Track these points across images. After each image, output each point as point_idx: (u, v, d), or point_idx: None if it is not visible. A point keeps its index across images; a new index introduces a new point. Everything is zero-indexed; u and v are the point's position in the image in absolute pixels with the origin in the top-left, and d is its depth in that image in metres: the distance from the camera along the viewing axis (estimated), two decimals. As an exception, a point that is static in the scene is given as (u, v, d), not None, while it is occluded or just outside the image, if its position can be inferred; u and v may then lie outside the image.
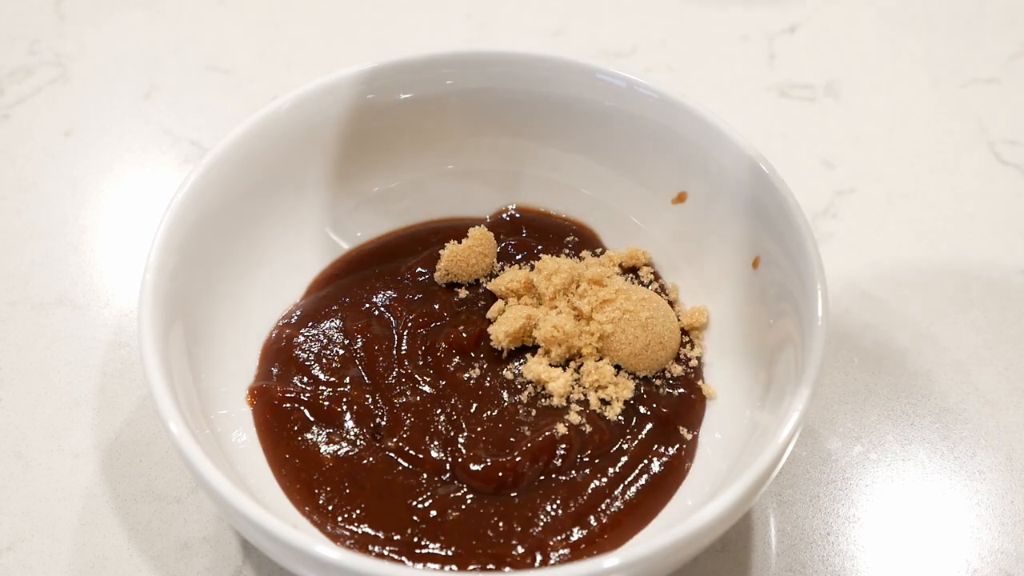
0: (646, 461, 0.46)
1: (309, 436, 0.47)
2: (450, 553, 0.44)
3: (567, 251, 0.54)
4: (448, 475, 0.46)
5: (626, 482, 0.46)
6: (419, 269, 0.52)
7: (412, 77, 0.52)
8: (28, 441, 0.50)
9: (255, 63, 0.67)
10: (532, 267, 0.52)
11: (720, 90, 0.66)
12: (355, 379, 0.49)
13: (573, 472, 0.46)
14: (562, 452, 0.46)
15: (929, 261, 0.57)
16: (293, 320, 0.51)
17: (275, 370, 0.49)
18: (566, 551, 0.44)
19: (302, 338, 0.50)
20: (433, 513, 0.45)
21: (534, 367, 0.48)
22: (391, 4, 0.70)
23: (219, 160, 0.47)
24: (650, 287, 0.52)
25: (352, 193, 0.54)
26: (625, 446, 0.47)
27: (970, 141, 0.62)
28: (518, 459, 0.45)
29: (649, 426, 0.47)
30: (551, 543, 0.44)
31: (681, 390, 0.48)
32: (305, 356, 0.49)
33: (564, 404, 0.47)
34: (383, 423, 0.47)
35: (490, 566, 0.43)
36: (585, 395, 0.48)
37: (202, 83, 0.66)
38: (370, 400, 0.48)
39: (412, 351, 0.49)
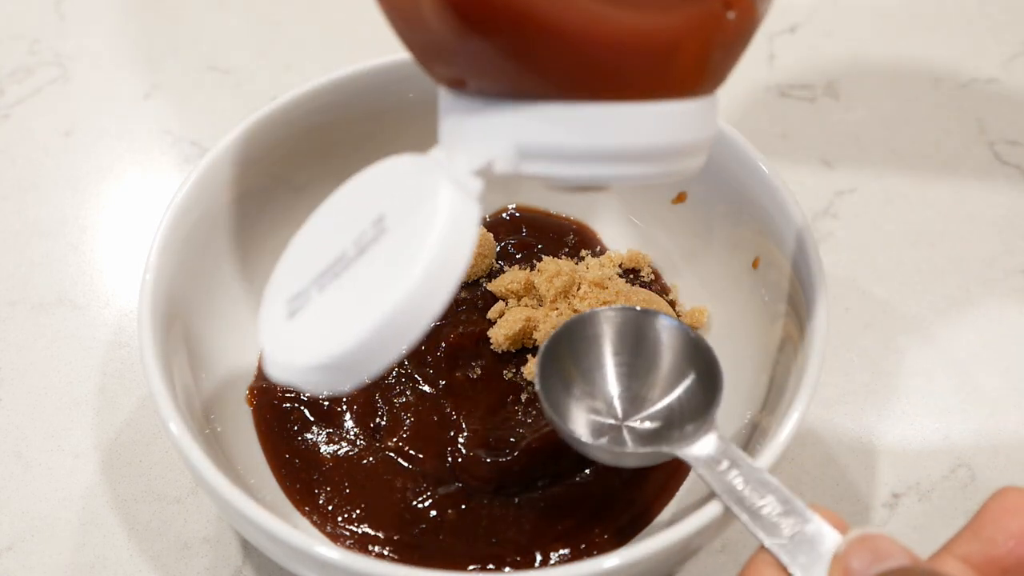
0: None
1: (309, 436, 0.47)
2: (450, 553, 0.44)
3: (567, 251, 0.54)
4: (448, 475, 0.46)
5: (626, 482, 0.46)
6: (419, 269, 0.52)
7: (412, 77, 0.52)
8: (28, 441, 0.50)
9: (255, 63, 0.67)
10: (532, 267, 0.52)
11: (720, 90, 0.66)
12: (355, 379, 0.49)
13: (573, 472, 0.46)
14: (562, 452, 0.46)
15: (929, 261, 0.57)
16: (293, 320, 0.51)
17: (275, 370, 0.49)
18: (566, 551, 0.44)
19: (302, 338, 0.50)
20: (433, 513, 0.45)
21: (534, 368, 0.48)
22: (391, 4, 0.70)
23: (219, 160, 0.47)
24: (650, 287, 0.52)
25: (352, 193, 0.54)
26: (625, 446, 0.47)
27: (970, 141, 0.62)
28: (518, 459, 0.45)
29: (649, 426, 0.47)
30: (551, 543, 0.44)
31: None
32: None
33: (564, 404, 0.47)
34: (383, 423, 0.47)
35: (490, 566, 0.43)
36: (585, 395, 0.48)
37: (202, 83, 0.66)
38: (370, 400, 0.48)
39: (412, 351, 0.49)
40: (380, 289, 0.31)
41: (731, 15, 0.33)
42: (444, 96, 0.35)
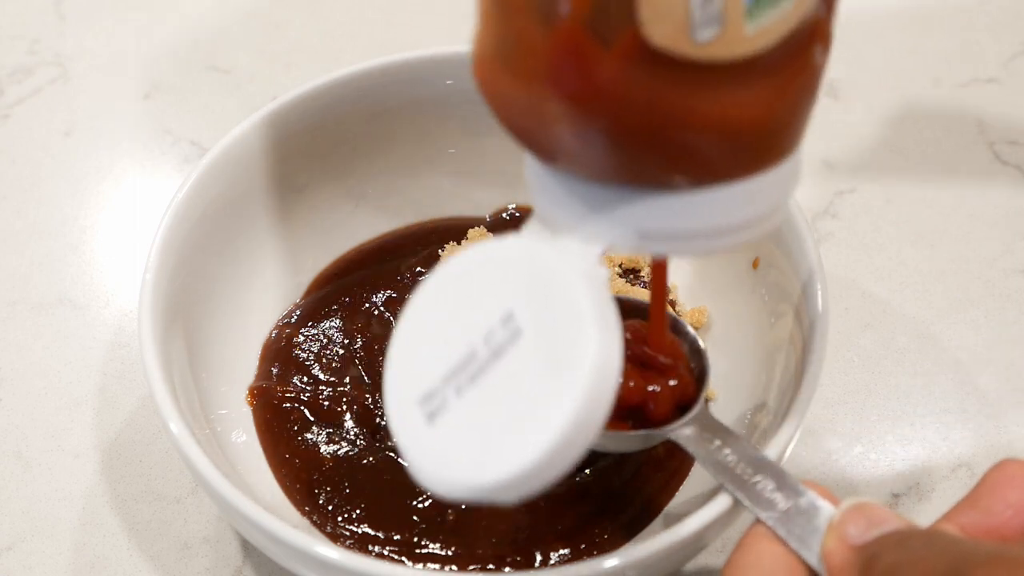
0: (647, 461, 0.46)
1: (309, 436, 0.47)
2: (450, 553, 0.44)
3: (567, 251, 0.54)
4: (448, 475, 0.46)
5: (626, 482, 0.46)
6: (419, 269, 0.52)
7: (412, 77, 0.52)
8: (28, 441, 0.50)
9: (255, 63, 0.67)
10: (532, 267, 0.52)
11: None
12: (355, 379, 0.49)
13: (573, 471, 0.46)
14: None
15: (929, 261, 0.57)
16: (293, 320, 0.51)
17: (275, 370, 0.49)
18: (566, 551, 0.44)
19: (302, 338, 0.50)
20: (433, 513, 0.45)
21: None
22: (391, 4, 0.70)
23: (219, 160, 0.47)
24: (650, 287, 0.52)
25: (352, 193, 0.54)
26: (625, 446, 0.47)
27: (970, 141, 0.62)
28: (518, 459, 0.45)
29: (649, 426, 0.47)
30: (551, 543, 0.44)
31: (681, 391, 0.48)
32: (305, 356, 0.49)
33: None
34: (383, 423, 0.47)
35: (490, 566, 0.43)
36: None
37: (202, 83, 0.66)
38: (370, 400, 0.48)
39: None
40: (541, 406, 0.31)
41: (819, 55, 0.32)
42: (541, 172, 0.34)
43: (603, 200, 0.33)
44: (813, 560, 0.34)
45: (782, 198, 0.34)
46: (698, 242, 0.34)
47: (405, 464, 0.32)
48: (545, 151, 0.33)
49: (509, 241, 0.34)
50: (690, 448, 0.39)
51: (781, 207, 0.35)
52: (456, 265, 0.34)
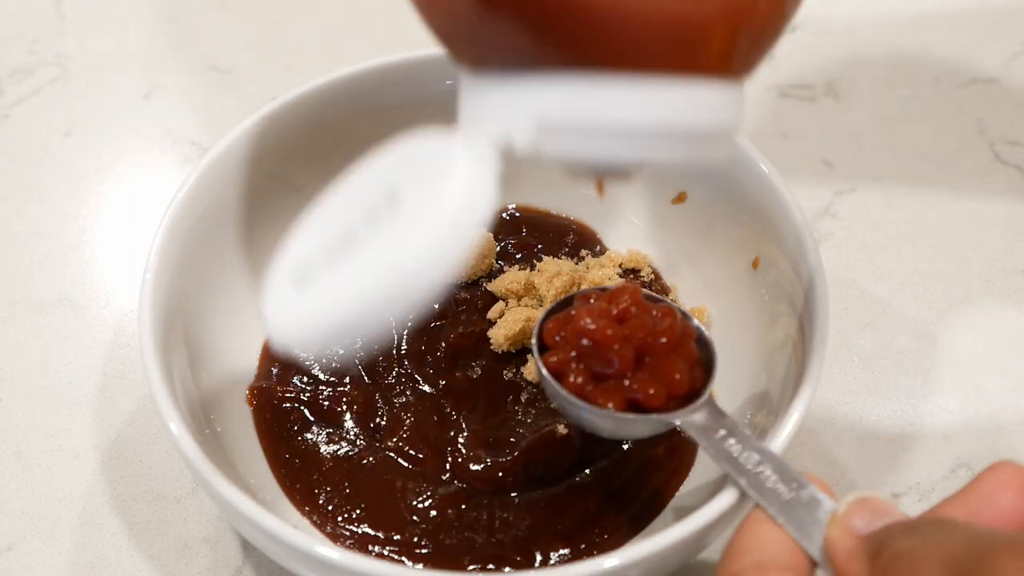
0: (646, 461, 0.46)
1: (309, 436, 0.47)
2: (450, 553, 0.44)
3: (567, 251, 0.54)
4: (448, 475, 0.46)
5: (626, 481, 0.46)
6: (419, 269, 0.52)
7: (412, 77, 0.52)
8: (28, 441, 0.50)
9: (255, 63, 0.67)
10: (533, 267, 0.52)
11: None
12: (355, 379, 0.49)
13: (573, 472, 0.46)
14: (562, 452, 0.46)
15: (929, 261, 0.57)
16: (293, 320, 0.51)
17: (275, 370, 0.49)
18: (566, 551, 0.44)
19: (302, 338, 0.50)
20: (433, 513, 0.45)
21: (534, 368, 0.48)
22: (391, 4, 0.70)
23: (219, 160, 0.47)
24: (650, 287, 0.52)
25: (352, 193, 0.54)
26: (625, 446, 0.47)
27: (970, 141, 0.62)
28: (518, 459, 0.45)
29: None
30: (551, 543, 0.44)
31: (681, 391, 0.48)
32: (305, 356, 0.49)
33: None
34: (383, 423, 0.47)
35: (490, 566, 0.43)
36: (585, 395, 0.48)
37: (202, 83, 0.66)
38: (370, 400, 0.48)
39: (412, 351, 0.49)
40: (399, 238, 0.32)
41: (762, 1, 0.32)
42: (465, 79, 0.35)
43: (506, 89, 0.33)
44: (813, 550, 0.34)
45: (700, 120, 0.33)
46: (601, 143, 0.32)
47: (264, 324, 0.34)
48: (458, 42, 0.34)
49: (418, 136, 0.35)
50: (696, 436, 0.39)
51: (702, 138, 0.33)
52: (365, 161, 0.36)
